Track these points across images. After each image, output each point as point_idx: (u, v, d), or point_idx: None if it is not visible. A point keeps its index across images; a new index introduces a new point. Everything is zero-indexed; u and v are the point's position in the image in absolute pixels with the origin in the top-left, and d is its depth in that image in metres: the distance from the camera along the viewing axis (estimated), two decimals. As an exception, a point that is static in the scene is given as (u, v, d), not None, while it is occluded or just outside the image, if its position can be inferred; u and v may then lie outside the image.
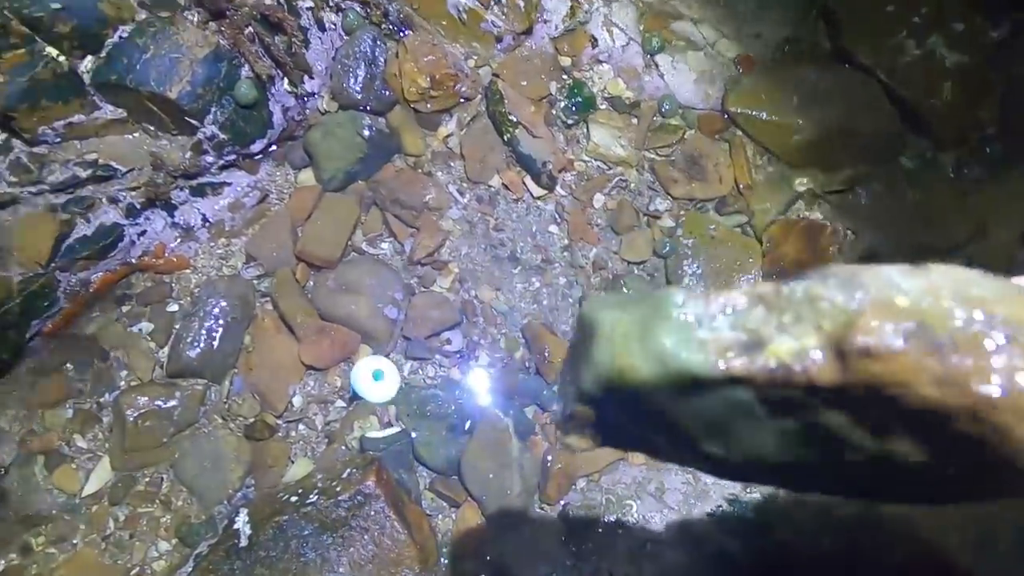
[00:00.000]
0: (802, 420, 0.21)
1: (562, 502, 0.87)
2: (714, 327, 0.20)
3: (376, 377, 0.88)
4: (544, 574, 0.83)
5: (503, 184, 1.03)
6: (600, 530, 0.85)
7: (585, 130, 1.05)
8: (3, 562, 0.80)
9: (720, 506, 0.85)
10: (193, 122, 0.87)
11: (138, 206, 0.89)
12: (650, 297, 0.22)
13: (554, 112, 1.04)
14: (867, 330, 0.19)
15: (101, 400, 0.89)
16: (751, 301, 0.21)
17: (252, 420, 0.90)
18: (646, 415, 0.23)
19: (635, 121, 1.05)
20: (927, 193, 1.01)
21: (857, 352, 0.18)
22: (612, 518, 0.86)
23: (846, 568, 0.74)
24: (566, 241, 1.01)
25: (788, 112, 1.01)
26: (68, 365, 0.90)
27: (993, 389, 0.18)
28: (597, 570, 0.83)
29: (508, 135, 1.02)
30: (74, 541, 0.83)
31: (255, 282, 0.96)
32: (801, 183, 1.03)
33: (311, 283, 0.97)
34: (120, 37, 0.82)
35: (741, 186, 1.03)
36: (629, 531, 0.85)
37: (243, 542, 0.76)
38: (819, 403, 0.20)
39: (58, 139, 0.84)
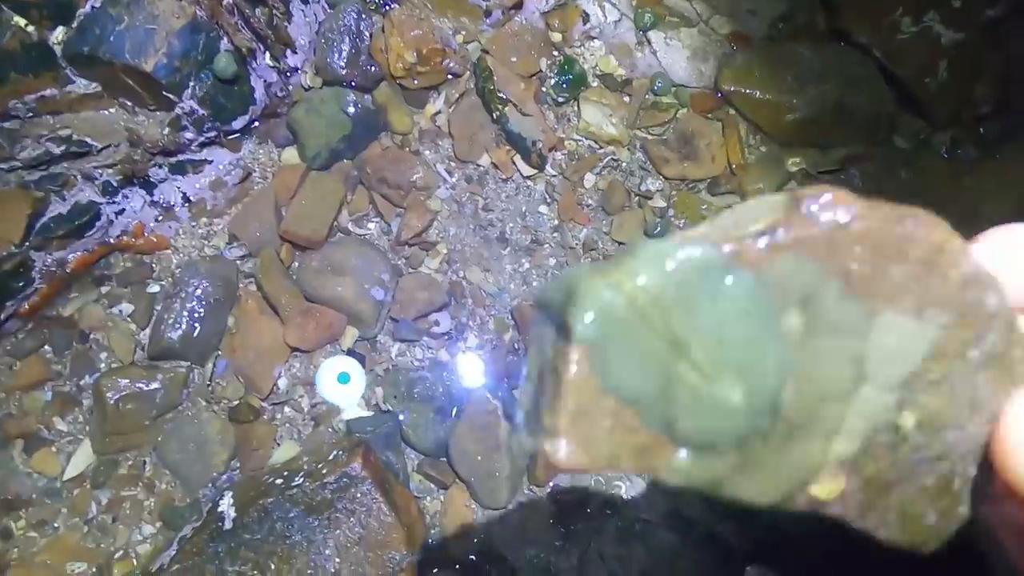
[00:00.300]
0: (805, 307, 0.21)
1: (551, 484, 0.87)
2: (705, 232, 0.21)
3: (341, 380, 0.86)
4: (533, 555, 0.83)
5: (492, 163, 1.01)
6: (589, 511, 0.85)
7: (576, 108, 1.02)
8: (-18, 546, 0.79)
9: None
10: (171, 97, 0.84)
11: (115, 184, 0.87)
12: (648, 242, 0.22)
13: (544, 90, 1.02)
14: (810, 192, 0.21)
15: (81, 383, 0.87)
16: (715, 223, 0.21)
17: (236, 403, 0.88)
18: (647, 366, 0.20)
19: (627, 99, 1.03)
20: (920, 174, 1.00)
21: (811, 205, 0.20)
22: (602, 500, 0.86)
23: (837, 548, 0.75)
24: (556, 222, 1.00)
25: (782, 90, 0.99)
26: (46, 347, 0.88)
27: None
28: (586, 551, 0.83)
29: (497, 113, 1.00)
30: (55, 525, 0.82)
31: (238, 263, 0.94)
32: (794, 163, 1.01)
33: (296, 264, 0.95)
34: (92, 7, 0.79)
35: (734, 166, 1.01)
36: (619, 513, 0.85)
37: (228, 525, 0.76)
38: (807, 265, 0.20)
39: (30, 114, 0.81)
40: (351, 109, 0.98)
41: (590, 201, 1.00)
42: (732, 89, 1.01)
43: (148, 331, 0.90)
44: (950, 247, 0.21)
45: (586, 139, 1.02)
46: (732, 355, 0.20)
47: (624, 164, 1.02)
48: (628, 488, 0.87)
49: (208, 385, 0.89)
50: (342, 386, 0.87)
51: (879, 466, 0.23)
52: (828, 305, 0.21)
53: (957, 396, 0.22)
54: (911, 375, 0.22)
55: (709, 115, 1.03)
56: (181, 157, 0.92)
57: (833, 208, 0.20)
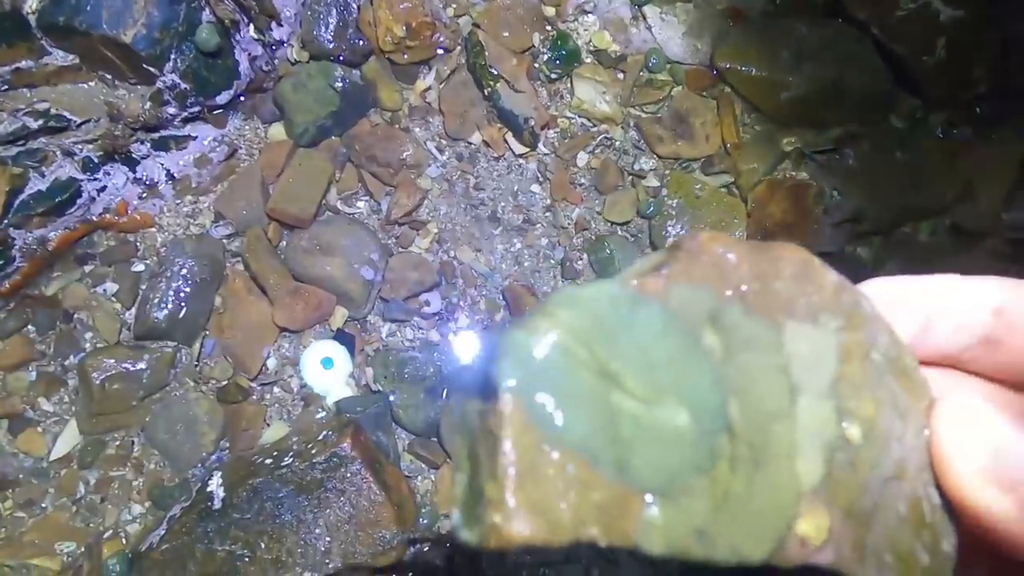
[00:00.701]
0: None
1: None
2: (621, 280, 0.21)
3: (325, 364, 0.86)
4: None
5: (484, 141, 0.99)
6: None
7: (569, 85, 1.01)
8: (-31, 526, 0.79)
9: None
10: (151, 70, 0.82)
11: (96, 160, 0.85)
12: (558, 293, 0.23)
13: (537, 66, 1.00)
14: (687, 238, 0.22)
15: (65, 363, 0.86)
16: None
17: (225, 383, 0.88)
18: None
19: (621, 76, 1.02)
20: (915, 154, 0.99)
21: (689, 245, 0.22)
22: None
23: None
24: (548, 201, 0.99)
25: (778, 68, 0.98)
26: (29, 327, 0.86)
27: None
28: (575, 529, 0.83)
29: (489, 89, 0.98)
30: (43, 505, 0.81)
31: (225, 242, 0.92)
32: (789, 142, 1.00)
33: (284, 243, 0.94)
34: (67, -26, 0.76)
35: (728, 145, 1.00)
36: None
37: (217, 505, 0.75)
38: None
39: (5, 86, 0.78)
40: (339, 84, 0.95)
41: (583, 180, 0.99)
42: (728, 66, 0.99)
43: (133, 311, 0.88)
44: (813, 263, 0.23)
45: (579, 117, 1.00)
46: (665, 376, 0.20)
47: (617, 143, 1.00)
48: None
49: (196, 365, 0.88)
50: (326, 371, 0.86)
51: (849, 492, 0.22)
52: (736, 322, 0.21)
53: (881, 401, 0.22)
54: (834, 380, 0.22)
55: (704, 93, 1.01)
56: (164, 133, 0.89)
57: (710, 245, 0.22)
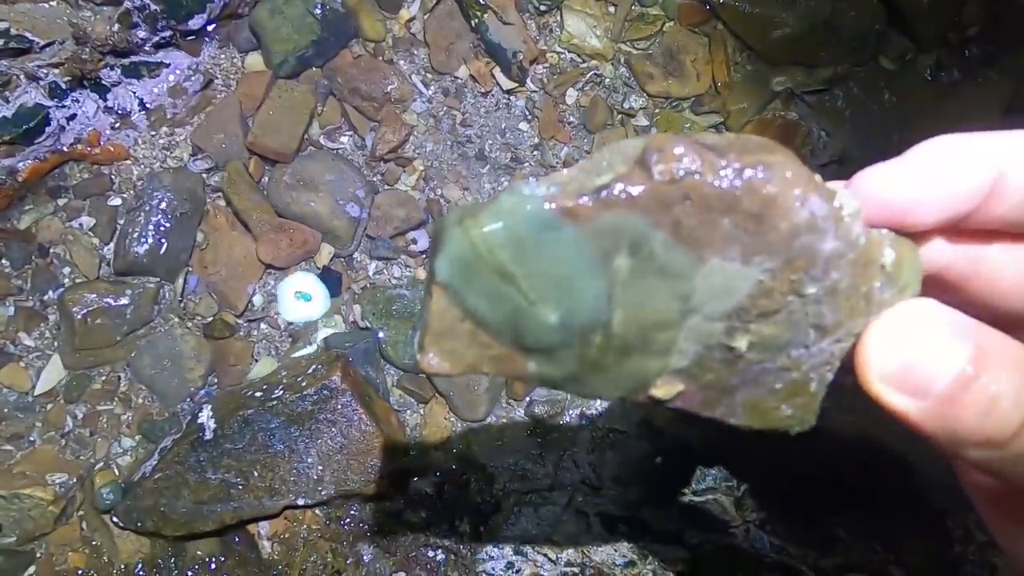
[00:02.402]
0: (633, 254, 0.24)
1: (528, 398, 0.89)
2: (551, 190, 0.24)
3: (303, 298, 0.85)
4: (511, 463, 0.86)
5: (470, 75, 0.97)
6: (564, 422, 0.88)
7: (559, 18, 0.97)
8: (-43, 459, 0.79)
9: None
10: (118, -12, 0.77)
11: (63, 85, 0.80)
12: (500, 193, 0.26)
13: (526, -4, 0.96)
14: (659, 144, 0.23)
15: (44, 298, 0.84)
16: (577, 168, 0.25)
17: (210, 319, 0.87)
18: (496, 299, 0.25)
19: (612, 10, 0.99)
20: (904, 95, 0.99)
21: (654, 159, 0.23)
22: (576, 412, 0.89)
23: (806, 475, 0.79)
24: (536, 139, 0.97)
25: (772, 4, 0.96)
26: (3, 261, 0.84)
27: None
28: (561, 458, 0.86)
29: (476, 20, 0.94)
30: (31, 438, 0.82)
31: (204, 176, 0.90)
32: (779, 82, 0.99)
33: (266, 178, 0.92)
34: None
35: (719, 84, 0.99)
36: (593, 423, 0.89)
37: (208, 435, 0.76)
38: (639, 224, 0.23)
39: (-41, 2, 0.73)
40: (318, 11, 0.91)
41: (571, 118, 0.98)
42: (721, 1, 0.97)
43: (112, 246, 0.86)
44: (784, 199, 0.23)
45: (568, 52, 0.98)
46: (551, 288, 0.25)
47: (607, 80, 0.98)
48: (601, 401, 0.90)
49: (180, 301, 0.87)
50: (302, 303, 0.86)
51: (718, 375, 0.27)
52: (654, 252, 0.24)
53: (796, 323, 0.25)
54: (737, 308, 0.25)
55: (696, 29, 0.99)
56: (135, 59, 0.85)
57: (678, 160, 0.23)
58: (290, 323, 0.88)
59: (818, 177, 0.24)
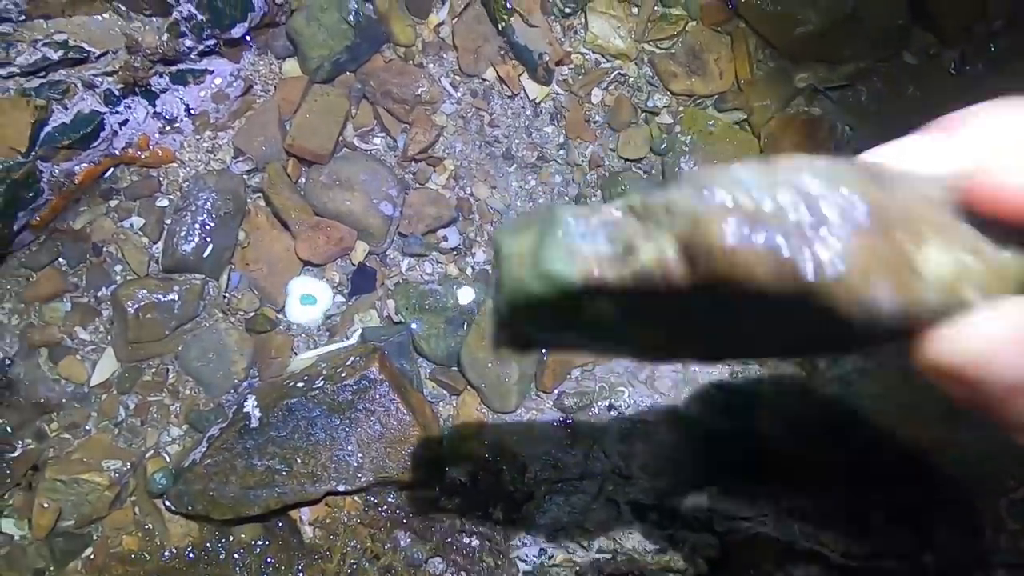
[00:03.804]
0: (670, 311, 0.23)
1: (557, 390, 0.92)
2: (595, 241, 0.21)
3: (308, 301, 0.89)
4: (541, 452, 0.89)
5: (498, 77, 0.99)
6: (593, 413, 0.91)
7: (583, 20, 1.00)
8: (20, 446, 0.83)
9: (708, 391, 0.90)
10: (167, 0, 0.81)
11: (117, 92, 0.85)
12: (546, 215, 0.23)
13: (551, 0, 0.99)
14: (709, 232, 0.19)
15: (99, 294, 0.89)
16: (625, 213, 0.21)
17: (252, 314, 0.91)
18: (557, 325, 0.25)
19: (635, 11, 1.01)
20: (927, 90, 1.00)
21: (702, 253, 0.20)
22: (605, 403, 0.91)
23: (826, 438, 0.80)
24: (562, 139, 1.00)
25: (794, 1, 0.97)
26: (60, 259, 0.89)
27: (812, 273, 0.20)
28: (591, 448, 0.89)
29: (503, 24, 0.97)
30: (87, 427, 0.86)
31: (245, 177, 0.94)
32: (802, 78, 1.01)
33: (303, 179, 0.95)
34: None
35: (742, 82, 1.01)
36: (621, 414, 0.91)
37: (254, 424, 0.80)
38: (682, 300, 0.22)
39: (22, 16, 0.78)
40: (352, 18, 0.95)
41: (596, 117, 1.00)
42: (744, 0, 0.98)
43: (160, 244, 0.91)
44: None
45: (593, 52, 1.00)
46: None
47: (631, 79, 1.00)
48: (630, 393, 0.92)
49: (224, 297, 0.91)
50: (305, 307, 0.89)
51: None
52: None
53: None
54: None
55: (718, 28, 1.01)
56: (182, 66, 0.89)
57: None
58: (293, 324, 0.91)
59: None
